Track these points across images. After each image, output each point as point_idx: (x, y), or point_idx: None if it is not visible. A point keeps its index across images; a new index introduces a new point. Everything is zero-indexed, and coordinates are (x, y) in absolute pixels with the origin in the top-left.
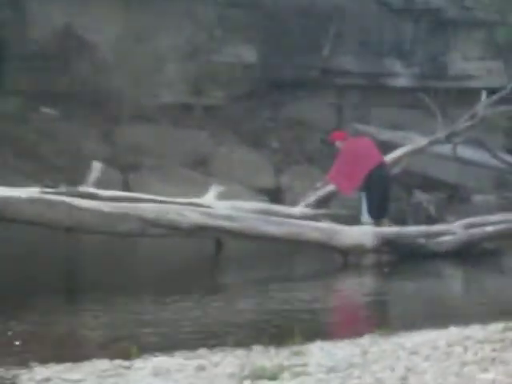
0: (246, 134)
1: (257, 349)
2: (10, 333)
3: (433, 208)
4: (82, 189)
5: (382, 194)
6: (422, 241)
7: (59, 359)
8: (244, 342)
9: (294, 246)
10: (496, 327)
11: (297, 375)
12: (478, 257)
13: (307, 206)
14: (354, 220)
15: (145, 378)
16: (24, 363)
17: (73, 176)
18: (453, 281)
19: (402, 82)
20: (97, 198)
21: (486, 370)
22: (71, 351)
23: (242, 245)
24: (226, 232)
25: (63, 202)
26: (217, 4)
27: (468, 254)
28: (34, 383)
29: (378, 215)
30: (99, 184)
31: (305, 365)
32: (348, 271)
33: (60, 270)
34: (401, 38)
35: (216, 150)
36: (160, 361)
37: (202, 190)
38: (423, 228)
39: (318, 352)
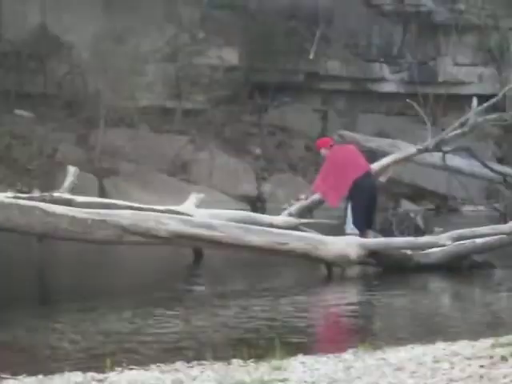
0: (228, 140)
1: (236, 363)
2: None
3: (420, 219)
4: (57, 194)
5: (367, 203)
6: (408, 253)
7: (31, 371)
8: (223, 356)
9: (276, 257)
10: (484, 343)
11: None
12: (466, 270)
13: (290, 214)
14: (339, 230)
15: None
16: None
17: (47, 181)
18: (440, 294)
19: (390, 87)
20: (72, 204)
21: None
22: (43, 363)
23: (223, 254)
24: (205, 241)
25: (37, 208)
26: (200, 5)
27: (456, 266)
28: None
29: (363, 226)
30: (74, 189)
31: (285, 380)
32: (332, 283)
33: (33, 279)
34: (389, 42)
35: (196, 156)
36: (135, 374)
37: (181, 197)
38: (410, 239)
39: (300, 367)
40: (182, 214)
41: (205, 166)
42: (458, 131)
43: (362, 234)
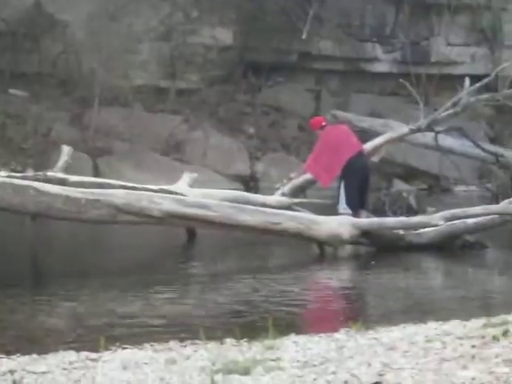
0: (222, 119)
1: (229, 342)
2: None
3: (413, 199)
4: (51, 173)
5: (360, 183)
6: (401, 232)
7: (24, 350)
8: (216, 336)
9: (269, 236)
10: (476, 323)
11: (270, 370)
12: (458, 250)
13: (283, 194)
14: (332, 210)
15: (113, 371)
16: None
17: (41, 160)
18: (432, 274)
19: (383, 67)
20: (65, 184)
21: (465, 367)
22: (37, 342)
23: (216, 234)
24: (198, 220)
25: (30, 187)
26: None
27: (448, 246)
28: None
29: (356, 205)
30: (68, 169)
31: (278, 359)
32: (325, 263)
33: (26, 258)
34: (382, 21)
35: (190, 136)
36: (129, 353)
37: (174, 176)
38: (403, 219)
39: (292, 346)
40: (176, 193)
41: (198, 145)
42: (451, 111)
43: (355, 214)
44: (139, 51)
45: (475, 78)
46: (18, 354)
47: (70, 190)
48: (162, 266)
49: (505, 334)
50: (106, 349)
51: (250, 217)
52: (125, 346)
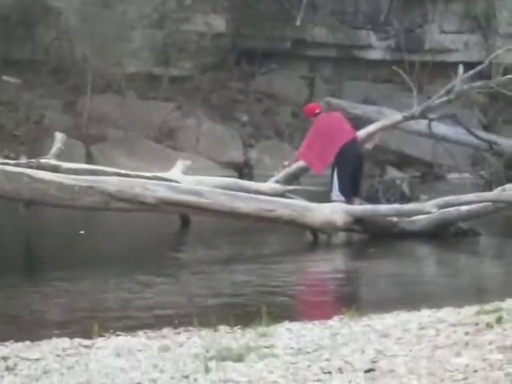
0: (215, 107)
1: (222, 329)
2: None
3: (406, 186)
4: (44, 160)
5: (353, 170)
6: (394, 220)
7: (18, 337)
8: (209, 323)
9: (263, 223)
10: (470, 310)
11: (264, 357)
12: (451, 237)
13: (277, 181)
14: (325, 197)
15: (106, 358)
16: None
17: (34, 147)
18: (425, 261)
19: (376, 54)
20: (59, 171)
21: (458, 354)
22: (30, 329)
23: (209, 220)
24: (192, 207)
25: (24, 174)
26: None
27: (442, 233)
28: None
29: (349, 193)
30: (61, 156)
31: (272, 346)
32: (318, 250)
33: (20, 245)
34: (376, 9)
35: (183, 123)
36: (122, 340)
37: (168, 163)
38: (396, 206)
39: (286, 333)
40: (169, 180)
41: (191, 132)
42: (444, 98)
43: (348, 201)
44: (132, 38)
45: (469, 66)
46: (11, 341)
47: (63, 176)
48: (155, 253)
49: (498, 320)
50: (100, 336)
51: (243, 204)
52: (118, 333)
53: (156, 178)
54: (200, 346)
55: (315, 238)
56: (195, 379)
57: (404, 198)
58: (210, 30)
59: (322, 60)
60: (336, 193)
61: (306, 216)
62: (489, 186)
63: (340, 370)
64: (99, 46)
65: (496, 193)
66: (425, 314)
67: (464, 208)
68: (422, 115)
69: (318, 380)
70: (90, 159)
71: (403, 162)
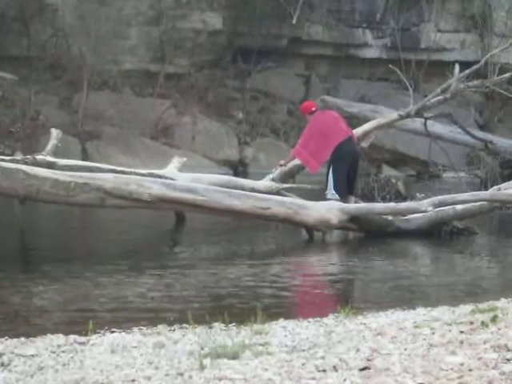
0: (211, 104)
1: (218, 327)
2: None
3: (402, 185)
4: (40, 157)
5: (349, 169)
6: (389, 218)
7: (12, 333)
8: (204, 320)
9: (258, 221)
10: (465, 309)
11: (258, 354)
12: (447, 236)
13: (272, 179)
14: (320, 195)
15: (101, 355)
16: None
17: (30, 143)
18: (420, 260)
19: (372, 53)
20: (54, 167)
21: (453, 353)
22: (25, 325)
23: (205, 218)
24: (187, 205)
25: (19, 170)
26: None
27: (437, 232)
28: None
29: (344, 191)
30: (57, 152)
31: (267, 344)
32: (313, 248)
33: (15, 241)
34: (373, 7)
35: (179, 120)
36: (117, 337)
37: (163, 160)
38: (391, 205)
39: (281, 331)
40: (165, 177)
41: (187, 130)
42: (440, 97)
43: (344, 200)
44: (128, 36)
45: (465, 65)
46: (6, 337)
47: (58, 173)
48: (150, 250)
49: (493, 319)
50: (94, 332)
51: (238, 201)
52: (113, 330)
53: (151, 175)
54: (195, 343)
55: (310, 236)
56: (190, 376)
57: (399, 197)
58: (206, 27)
59: (318, 58)
60: (331, 191)
61: (301, 214)
62: (484, 185)
63: (335, 368)
64: (95, 43)
65: (491, 192)
66: (420, 313)
67: (459, 207)
68: (418, 114)
69: (313, 378)
70: (85, 156)
71: (399, 160)
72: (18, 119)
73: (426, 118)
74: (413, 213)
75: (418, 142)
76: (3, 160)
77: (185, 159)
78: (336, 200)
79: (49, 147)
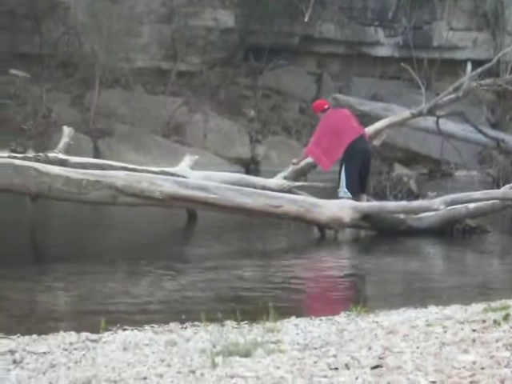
0: (222, 102)
1: (230, 324)
2: None
3: (414, 183)
4: (52, 154)
5: (361, 167)
6: (401, 217)
7: (24, 331)
8: (216, 318)
9: (270, 219)
10: (477, 307)
11: (271, 352)
12: (459, 234)
13: (284, 177)
14: (333, 193)
15: (113, 352)
16: None
17: (42, 141)
18: (433, 258)
19: (384, 51)
20: (66, 165)
21: (466, 351)
22: (37, 322)
23: (217, 215)
24: (199, 202)
25: (32, 168)
26: None
27: (449, 231)
28: None
29: (356, 189)
30: (69, 150)
31: (279, 342)
32: (325, 246)
33: (27, 239)
34: (385, 5)
35: (191, 118)
36: (129, 334)
37: (175, 158)
38: (403, 203)
39: (293, 329)
40: (176, 175)
41: (199, 128)
42: (452, 96)
43: (356, 198)
44: (140, 33)
45: (477, 63)
46: (18, 335)
47: (70, 171)
48: (162, 248)
49: (506, 318)
50: (106, 330)
51: (250, 199)
52: (125, 328)
53: (163, 172)
54: (207, 340)
55: (322, 234)
56: (202, 374)
57: (411, 195)
58: (218, 25)
59: (330, 56)
60: (343, 189)
61: (313, 212)
62: (496, 183)
63: (347, 366)
64: (107, 41)
65: (503, 190)
66: (432, 311)
67: (471, 205)
68: (430, 112)
69: (325, 376)
70: (97, 154)
71: (411, 159)
72: (30, 117)
73: (438, 117)
74: (425, 211)
75: (430, 141)
76: (15, 157)
77: (196, 157)
78: (348, 198)
79: (61, 145)
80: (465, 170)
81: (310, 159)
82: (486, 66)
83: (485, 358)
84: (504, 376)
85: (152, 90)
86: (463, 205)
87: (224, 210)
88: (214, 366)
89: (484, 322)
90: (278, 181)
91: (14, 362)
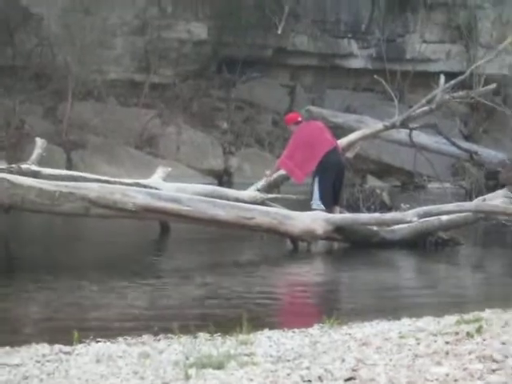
0: (195, 114)
1: (203, 337)
2: None
3: (387, 195)
4: (24, 166)
5: (335, 179)
6: (375, 229)
7: None
8: (190, 330)
9: (243, 231)
10: (450, 319)
11: (244, 364)
12: (432, 246)
13: (257, 189)
14: (305, 205)
15: (86, 365)
16: None
17: (14, 153)
18: (405, 271)
19: (358, 63)
20: (39, 176)
21: (439, 364)
22: (9, 334)
23: (190, 227)
24: (172, 214)
25: (4, 180)
26: None
27: (422, 243)
28: None
29: (330, 201)
30: (42, 162)
31: (252, 354)
32: (298, 258)
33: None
34: (358, 18)
35: (163, 130)
36: (102, 347)
37: (148, 170)
38: (376, 215)
39: (266, 341)
40: (149, 187)
41: (172, 139)
42: (425, 108)
43: (329, 210)
44: (113, 45)
45: (450, 76)
46: None
47: (43, 182)
48: (135, 260)
49: (478, 330)
50: (80, 342)
51: (223, 211)
52: (98, 340)
53: (136, 184)
54: (180, 352)
55: (295, 246)
56: None
57: (384, 207)
58: (191, 37)
59: (303, 68)
60: (316, 201)
61: (286, 224)
62: (469, 195)
63: (320, 379)
64: (80, 53)
65: (476, 203)
66: (405, 323)
67: (444, 218)
68: (403, 124)
69: None
70: (70, 165)
71: (384, 171)
72: (3, 128)
73: (411, 129)
74: (398, 223)
75: (403, 153)
76: None
77: (169, 169)
78: (321, 210)
79: (34, 156)
80: (438, 183)
81: (282, 171)
82: (459, 78)
83: (458, 370)
84: None
85: (125, 102)
86: (436, 217)
87: (197, 222)
88: (188, 378)
89: (457, 334)
90: (250, 193)
91: None
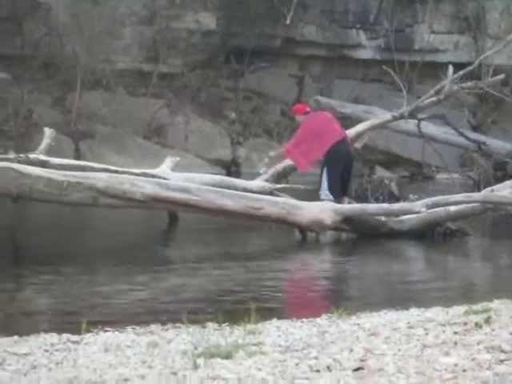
0: (204, 104)
1: (211, 326)
2: None
3: (395, 186)
4: (33, 156)
5: (343, 169)
6: (383, 219)
7: (5, 332)
8: (198, 319)
9: (251, 221)
10: (458, 310)
11: (252, 354)
12: (440, 237)
13: (265, 180)
14: (314, 196)
15: (95, 354)
16: None
17: (23, 142)
18: (414, 261)
19: (366, 54)
20: (47, 166)
21: (447, 354)
22: (18, 324)
23: (198, 217)
24: (180, 204)
25: (12, 169)
26: None
27: (430, 233)
28: None
29: (338, 192)
30: (50, 151)
31: (260, 344)
32: (307, 248)
33: (7, 240)
34: (366, 8)
35: (172, 120)
36: (110, 336)
37: (156, 160)
38: (385, 206)
39: (275, 331)
40: (158, 177)
41: (180, 129)
42: (434, 99)
43: (337, 200)
44: (122, 35)
45: (458, 66)
46: None
47: (52, 172)
48: (143, 250)
49: (487, 321)
50: (88, 331)
51: (231, 201)
52: (106, 329)
53: (144, 174)
54: (188, 342)
55: (304, 236)
56: (184, 376)
57: (392, 198)
58: (200, 27)
59: (312, 59)
60: (325, 192)
61: (295, 214)
62: (477, 186)
63: (328, 368)
64: (89, 42)
65: (484, 193)
66: (414, 314)
67: (452, 208)
68: (412, 115)
69: (307, 378)
70: (78, 155)
71: (392, 161)
72: (11, 118)
73: (420, 120)
74: (406, 214)
75: (411, 144)
76: None
77: (178, 159)
78: (330, 201)
79: (42, 146)
80: (446, 173)
81: (290, 161)
82: (468, 69)
83: (466, 361)
84: (485, 379)
85: (133, 92)
86: (444, 208)
87: (205, 211)
88: (196, 367)
89: (465, 324)
90: (259, 183)
91: None
